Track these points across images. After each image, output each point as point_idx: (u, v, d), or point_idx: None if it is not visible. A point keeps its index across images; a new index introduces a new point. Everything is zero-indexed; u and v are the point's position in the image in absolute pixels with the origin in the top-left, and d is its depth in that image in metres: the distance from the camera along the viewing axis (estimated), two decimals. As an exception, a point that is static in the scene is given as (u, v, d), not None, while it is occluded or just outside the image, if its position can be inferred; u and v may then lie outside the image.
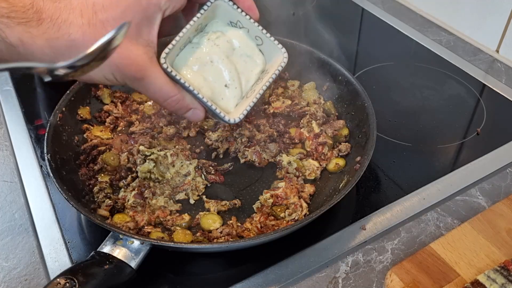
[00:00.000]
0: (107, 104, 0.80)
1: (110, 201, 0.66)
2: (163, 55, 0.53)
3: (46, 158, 0.64)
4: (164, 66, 0.52)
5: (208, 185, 0.71)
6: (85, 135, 0.75)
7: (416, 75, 0.97)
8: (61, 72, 0.39)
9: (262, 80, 0.59)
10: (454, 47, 1.05)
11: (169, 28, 0.57)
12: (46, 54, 0.45)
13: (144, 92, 0.53)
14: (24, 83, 0.92)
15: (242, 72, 0.59)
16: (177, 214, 0.67)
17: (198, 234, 0.63)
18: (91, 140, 0.74)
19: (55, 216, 0.67)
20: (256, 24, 0.58)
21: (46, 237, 0.65)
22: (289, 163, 0.73)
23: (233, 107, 0.58)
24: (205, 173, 0.72)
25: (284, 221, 0.65)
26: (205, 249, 0.61)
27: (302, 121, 0.80)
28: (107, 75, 0.50)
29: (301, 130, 0.78)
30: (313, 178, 0.72)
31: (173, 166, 0.71)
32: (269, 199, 0.67)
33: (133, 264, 0.55)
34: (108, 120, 0.78)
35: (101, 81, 0.51)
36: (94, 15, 0.47)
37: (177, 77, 0.53)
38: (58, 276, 0.50)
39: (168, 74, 0.53)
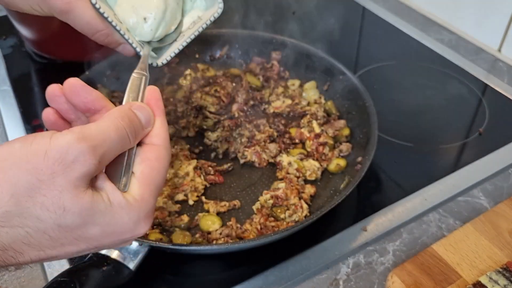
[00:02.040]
0: (106, 104, 0.80)
1: (108, 202, 0.65)
2: None
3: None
4: (93, 1, 0.52)
5: (207, 186, 0.71)
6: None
7: (418, 75, 0.96)
8: None
9: (194, 27, 0.59)
10: (456, 47, 1.04)
11: None
12: None
13: (73, 25, 0.53)
14: (22, 83, 0.92)
15: (170, 11, 0.57)
16: (176, 215, 0.66)
17: (197, 235, 0.63)
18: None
19: (53, 217, 0.67)
20: None
21: (44, 238, 0.64)
22: (290, 163, 0.72)
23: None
24: (204, 174, 0.72)
25: (284, 222, 0.64)
26: (204, 250, 0.60)
27: (302, 121, 0.80)
28: (33, 6, 0.51)
29: (302, 130, 0.78)
30: (313, 178, 0.71)
31: (172, 166, 0.71)
32: (269, 200, 0.67)
33: (132, 265, 0.55)
34: (106, 120, 0.78)
35: (28, 10, 0.51)
36: None
37: (101, 11, 0.52)
38: (56, 278, 0.50)
39: (94, 8, 0.52)
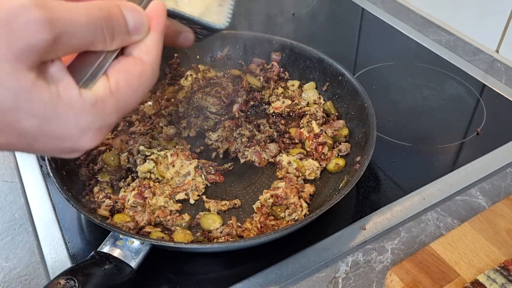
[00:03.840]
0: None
1: (110, 201, 0.66)
2: None
3: (46, 158, 0.64)
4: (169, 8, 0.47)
5: (208, 185, 0.71)
6: (85, 135, 0.75)
7: (416, 75, 0.97)
8: None
9: None
10: (454, 47, 1.05)
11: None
12: None
13: None
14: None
15: None
16: (177, 214, 0.66)
17: (198, 234, 0.63)
18: (91, 140, 0.74)
19: (55, 216, 0.67)
20: None
21: (46, 237, 0.65)
22: (289, 163, 0.73)
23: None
24: (205, 173, 0.72)
25: (284, 221, 0.65)
26: (205, 249, 0.61)
27: (302, 121, 0.80)
28: None
29: (301, 130, 0.78)
30: (313, 178, 0.72)
31: (173, 166, 0.71)
32: (269, 199, 0.67)
33: (133, 264, 0.55)
34: (108, 120, 0.78)
35: None
36: None
37: (176, 11, 0.48)
38: (58, 276, 0.50)
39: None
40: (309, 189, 0.69)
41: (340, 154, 0.75)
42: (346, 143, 0.76)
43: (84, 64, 0.35)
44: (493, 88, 0.92)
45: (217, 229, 0.63)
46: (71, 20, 0.31)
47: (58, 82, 0.32)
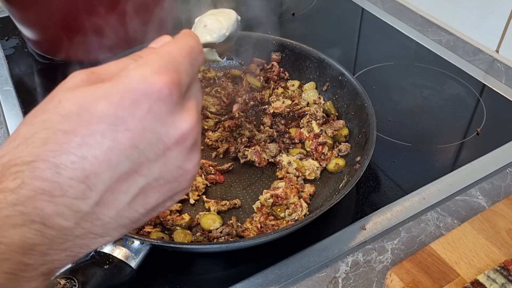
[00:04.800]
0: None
1: (110, 201, 0.66)
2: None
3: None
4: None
5: (208, 185, 0.71)
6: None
7: (416, 75, 0.97)
8: None
9: None
10: (454, 47, 1.05)
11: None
12: None
13: None
14: (24, 83, 0.93)
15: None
16: (177, 214, 0.67)
17: (198, 234, 0.63)
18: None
19: (55, 216, 0.67)
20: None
21: (46, 237, 0.65)
22: (289, 163, 0.73)
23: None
24: (205, 173, 0.72)
25: (284, 221, 0.65)
26: (205, 249, 0.61)
27: (302, 121, 0.80)
28: None
29: (301, 130, 0.78)
30: (313, 178, 0.72)
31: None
32: (269, 199, 0.67)
33: (133, 264, 0.55)
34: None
35: None
36: None
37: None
38: (58, 276, 0.50)
39: None
40: (309, 189, 0.69)
41: (340, 154, 0.75)
42: (346, 143, 0.76)
43: None
44: (493, 88, 0.93)
45: (217, 229, 0.64)
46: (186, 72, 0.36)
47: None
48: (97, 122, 0.32)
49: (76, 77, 0.34)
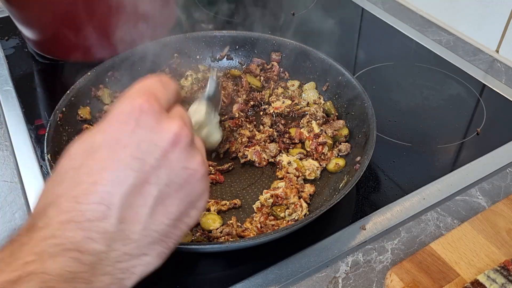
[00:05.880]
0: (108, 104, 0.80)
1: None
2: None
3: (46, 158, 0.64)
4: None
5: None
6: (85, 135, 0.75)
7: (416, 75, 0.97)
8: None
9: None
10: (454, 47, 1.05)
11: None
12: None
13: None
14: (24, 83, 0.93)
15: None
16: (177, 214, 0.66)
17: (198, 234, 0.63)
18: (91, 140, 0.74)
19: (55, 216, 0.67)
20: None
21: (46, 237, 0.65)
22: (289, 163, 0.73)
23: None
24: (205, 173, 0.72)
25: (284, 221, 0.65)
26: (205, 249, 0.61)
27: (302, 121, 0.80)
28: None
29: (301, 130, 0.78)
30: (313, 178, 0.72)
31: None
32: (269, 199, 0.67)
33: (133, 264, 0.55)
34: (108, 120, 0.78)
35: None
36: None
37: None
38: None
39: None
40: (309, 189, 0.69)
41: (340, 154, 0.75)
42: (346, 143, 0.76)
43: None
44: (493, 88, 0.92)
45: (217, 229, 0.64)
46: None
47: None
48: (98, 151, 0.37)
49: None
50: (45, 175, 0.73)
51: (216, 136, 0.71)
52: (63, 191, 0.36)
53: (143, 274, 0.39)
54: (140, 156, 0.37)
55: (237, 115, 0.81)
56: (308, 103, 0.84)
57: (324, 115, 0.80)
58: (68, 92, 0.75)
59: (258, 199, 0.68)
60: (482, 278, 0.56)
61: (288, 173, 0.72)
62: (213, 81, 0.69)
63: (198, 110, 0.67)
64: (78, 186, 0.36)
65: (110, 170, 0.36)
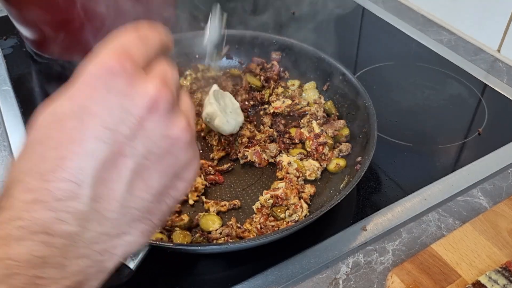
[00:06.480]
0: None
1: (109, 202, 0.65)
2: None
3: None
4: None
5: (208, 186, 0.71)
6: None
7: (417, 75, 0.96)
8: None
9: None
10: (455, 47, 1.04)
11: None
12: None
13: None
14: (23, 83, 0.92)
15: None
16: (176, 214, 0.66)
17: (197, 235, 0.63)
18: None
19: (54, 217, 0.67)
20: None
21: (44, 237, 0.64)
22: (289, 163, 0.72)
23: None
24: (204, 174, 0.72)
25: (284, 222, 0.64)
26: (204, 250, 0.60)
27: (302, 121, 0.80)
28: None
29: (301, 130, 0.78)
30: (313, 178, 0.72)
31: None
32: (269, 199, 0.67)
33: (132, 265, 0.54)
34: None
35: None
36: None
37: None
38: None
39: None
40: (310, 189, 0.69)
41: (340, 154, 0.74)
42: (347, 143, 0.75)
43: None
44: (495, 88, 0.92)
45: (216, 230, 0.63)
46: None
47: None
48: (65, 121, 0.32)
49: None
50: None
51: (231, 123, 0.73)
52: (28, 168, 0.32)
53: (126, 255, 0.35)
54: (112, 126, 0.32)
55: (237, 115, 0.81)
56: (308, 103, 0.83)
57: (325, 115, 0.80)
58: (66, 91, 0.74)
59: (258, 200, 0.68)
60: (483, 279, 0.56)
61: (288, 173, 0.71)
62: (214, 23, 0.63)
63: (210, 103, 0.68)
64: (44, 161, 0.32)
65: (79, 143, 0.32)
